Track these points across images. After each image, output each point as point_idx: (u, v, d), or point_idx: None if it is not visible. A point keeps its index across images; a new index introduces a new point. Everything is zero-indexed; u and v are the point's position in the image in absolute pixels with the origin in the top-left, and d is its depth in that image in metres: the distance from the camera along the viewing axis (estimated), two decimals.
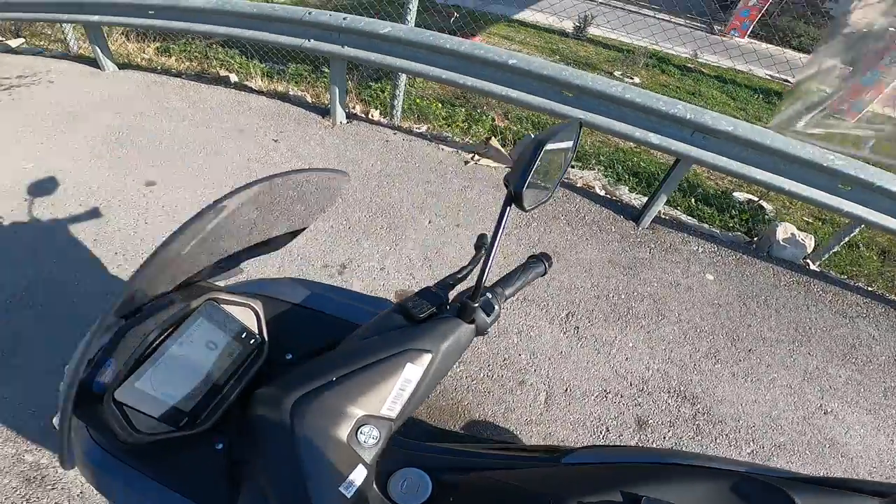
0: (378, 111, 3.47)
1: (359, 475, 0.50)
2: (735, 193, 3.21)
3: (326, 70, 3.75)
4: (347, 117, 3.17)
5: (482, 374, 1.68)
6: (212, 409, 0.56)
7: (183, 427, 0.54)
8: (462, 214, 2.42)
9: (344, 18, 2.65)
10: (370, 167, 2.71)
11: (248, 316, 0.62)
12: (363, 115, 3.31)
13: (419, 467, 0.57)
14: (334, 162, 2.73)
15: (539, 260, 0.77)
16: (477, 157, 2.94)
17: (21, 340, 1.66)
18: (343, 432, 0.51)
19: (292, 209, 0.72)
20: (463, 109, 3.76)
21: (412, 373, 0.56)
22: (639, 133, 2.28)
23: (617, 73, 6.10)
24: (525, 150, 0.55)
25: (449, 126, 3.47)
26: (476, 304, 0.62)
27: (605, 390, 1.69)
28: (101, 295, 1.83)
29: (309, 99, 3.49)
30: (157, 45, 4.59)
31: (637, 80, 6.04)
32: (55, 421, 0.49)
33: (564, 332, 1.88)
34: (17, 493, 1.29)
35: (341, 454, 0.50)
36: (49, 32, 4.92)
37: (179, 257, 0.54)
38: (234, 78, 3.73)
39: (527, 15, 7.89)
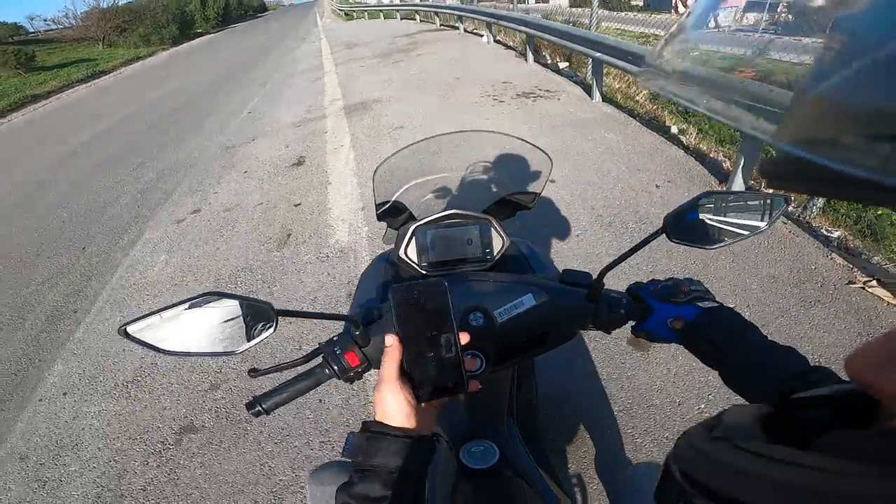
0: (795, 199, 3.22)
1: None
2: None
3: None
4: (747, 190, 3.08)
5: None
6: (442, 270, 0.83)
7: (425, 268, 0.83)
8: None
9: (770, 90, 2.60)
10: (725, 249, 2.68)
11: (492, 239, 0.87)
12: None
13: (489, 439, 0.70)
14: None
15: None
16: (874, 283, 2.21)
17: None
18: None
19: (517, 172, 0.97)
20: None
21: (528, 300, 0.68)
22: None
23: None
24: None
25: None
26: (599, 288, 0.70)
27: None
28: None
29: (726, 165, 3.60)
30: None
31: None
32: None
33: None
34: None
35: None
36: (586, 61, 6.80)
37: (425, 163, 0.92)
38: (674, 129, 4.24)
39: None
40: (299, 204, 3.70)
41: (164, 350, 0.53)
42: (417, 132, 4.67)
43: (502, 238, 0.85)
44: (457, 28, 11.39)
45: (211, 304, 0.55)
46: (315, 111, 6.24)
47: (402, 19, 17.29)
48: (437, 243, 0.84)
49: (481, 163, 1.04)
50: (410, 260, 0.83)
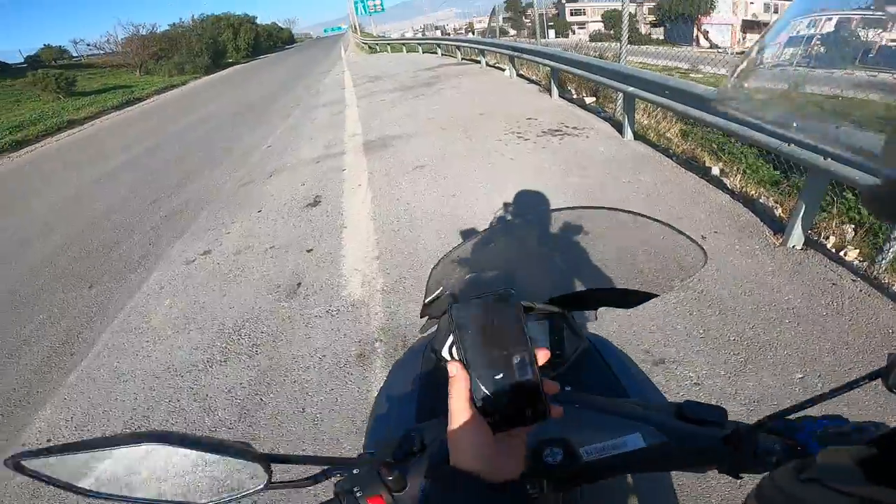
0: (858, 251, 2.86)
1: None
2: None
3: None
4: (806, 244, 2.76)
5: None
6: None
7: None
8: None
9: (836, 127, 2.36)
10: (788, 310, 2.26)
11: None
12: (832, 250, 2.76)
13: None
14: (748, 278, 2.52)
15: None
16: None
17: None
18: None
19: (641, 262, 0.75)
20: None
21: (634, 441, 0.53)
22: None
23: None
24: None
25: None
26: (754, 437, 0.51)
27: None
28: None
29: (779, 212, 3.23)
30: (681, 127, 5.31)
31: None
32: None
33: None
34: None
35: None
36: (614, 96, 6.61)
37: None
38: (715, 171, 3.95)
39: None
40: (311, 249, 3.50)
41: (82, 491, 0.39)
42: (439, 172, 4.49)
43: (579, 338, 0.70)
44: (478, 62, 11.47)
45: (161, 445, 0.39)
46: (334, 147, 6.17)
47: (424, 53, 17.69)
48: None
49: (600, 241, 0.80)
50: (455, 360, 0.61)
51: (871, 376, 0.47)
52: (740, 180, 3.75)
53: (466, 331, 0.45)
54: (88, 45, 37.92)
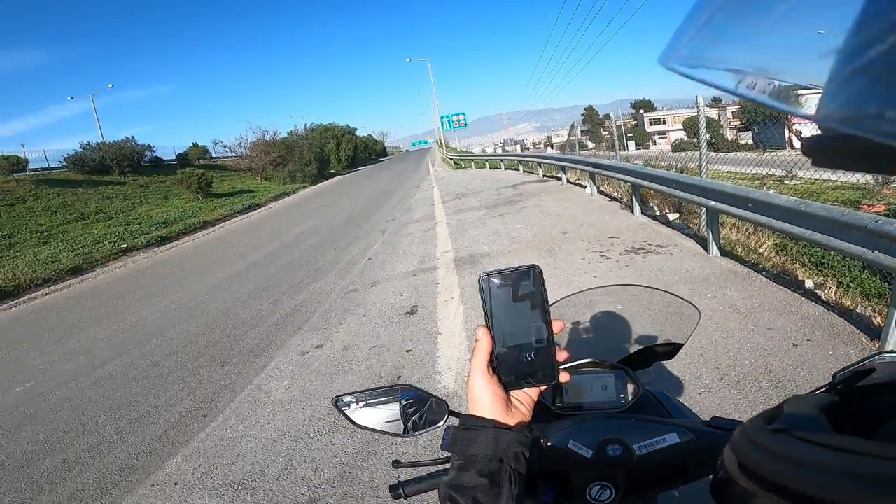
0: None
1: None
2: None
3: None
4: None
5: None
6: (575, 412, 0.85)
7: (559, 408, 0.85)
8: None
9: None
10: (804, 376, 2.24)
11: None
12: None
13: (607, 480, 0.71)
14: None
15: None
16: None
17: None
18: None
19: (656, 325, 0.99)
20: None
21: (671, 438, 0.71)
22: None
23: None
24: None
25: None
26: None
27: None
28: None
29: (877, 320, 3.09)
30: (775, 240, 5.16)
31: None
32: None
33: None
34: None
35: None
36: (698, 211, 6.65)
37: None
38: (809, 284, 3.84)
39: None
40: (410, 350, 3.90)
41: (355, 423, 0.71)
42: None
43: (637, 386, 0.88)
44: (559, 178, 12.13)
45: (397, 392, 0.72)
46: (428, 262, 6.72)
47: (505, 169, 19.03)
48: (570, 388, 0.88)
49: (623, 313, 1.08)
50: (544, 400, 0.86)
51: (821, 389, 0.67)
52: (836, 292, 3.65)
53: (491, 298, 0.53)
54: (225, 146, 41.10)
